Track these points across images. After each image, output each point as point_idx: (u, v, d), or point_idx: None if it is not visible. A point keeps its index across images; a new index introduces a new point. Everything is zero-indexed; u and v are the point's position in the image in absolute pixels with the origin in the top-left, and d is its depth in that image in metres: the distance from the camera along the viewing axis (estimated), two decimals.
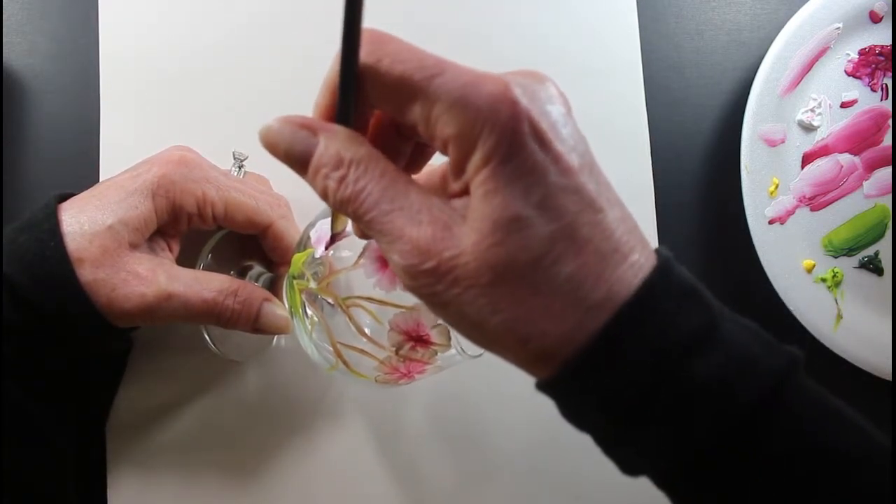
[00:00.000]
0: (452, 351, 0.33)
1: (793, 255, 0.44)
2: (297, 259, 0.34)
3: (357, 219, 0.24)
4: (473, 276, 0.22)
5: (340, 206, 0.24)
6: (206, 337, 0.38)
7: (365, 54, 0.23)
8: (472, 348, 0.31)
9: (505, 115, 0.21)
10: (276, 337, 0.41)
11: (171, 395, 0.40)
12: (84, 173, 0.41)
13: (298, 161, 0.24)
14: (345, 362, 0.34)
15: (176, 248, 0.36)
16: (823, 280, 0.44)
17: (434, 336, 0.32)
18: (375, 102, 0.24)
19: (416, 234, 0.22)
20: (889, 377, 0.44)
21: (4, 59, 0.43)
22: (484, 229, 0.22)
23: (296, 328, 0.35)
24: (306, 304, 0.34)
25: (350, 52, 0.22)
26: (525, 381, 0.25)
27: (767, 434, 0.22)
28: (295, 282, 0.34)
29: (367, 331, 0.32)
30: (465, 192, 0.23)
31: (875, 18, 0.45)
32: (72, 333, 0.32)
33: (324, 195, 0.24)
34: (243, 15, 0.44)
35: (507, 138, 0.21)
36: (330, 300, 0.33)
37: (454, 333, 0.32)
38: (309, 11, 0.44)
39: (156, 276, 0.32)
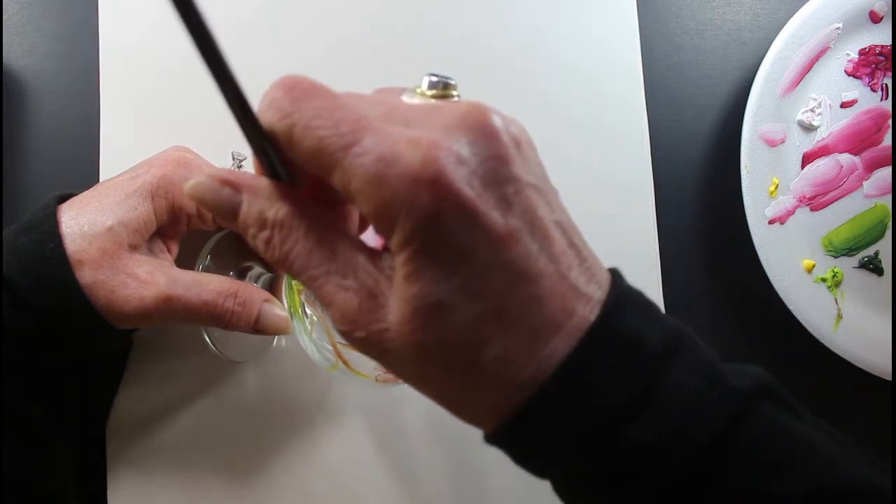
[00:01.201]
0: None
1: (793, 255, 0.44)
2: None
3: (292, 277, 0.23)
4: (400, 351, 0.21)
5: (276, 266, 0.23)
6: (207, 338, 0.38)
7: (277, 118, 0.21)
8: None
9: (423, 199, 0.20)
10: (276, 337, 0.41)
11: (171, 395, 0.40)
12: (84, 173, 0.41)
13: (227, 219, 0.23)
14: (345, 362, 0.34)
15: (175, 249, 0.36)
16: (823, 280, 0.44)
17: None
18: (299, 163, 0.22)
19: (344, 304, 0.22)
20: (889, 377, 0.44)
21: (4, 59, 0.43)
22: (406, 312, 0.21)
23: (296, 328, 0.35)
24: (305, 304, 0.34)
25: (242, 116, 0.21)
26: None
27: (708, 489, 0.21)
28: (293, 283, 0.34)
29: None
30: None
31: (875, 18, 0.45)
32: (71, 334, 0.32)
33: (256, 251, 0.23)
34: (243, 15, 0.43)
35: (425, 224, 0.20)
36: None
37: None
38: (310, 11, 0.44)
39: (155, 279, 0.32)
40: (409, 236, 0.20)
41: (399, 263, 0.21)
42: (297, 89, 0.22)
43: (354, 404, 0.41)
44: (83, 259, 0.31)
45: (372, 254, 0.22)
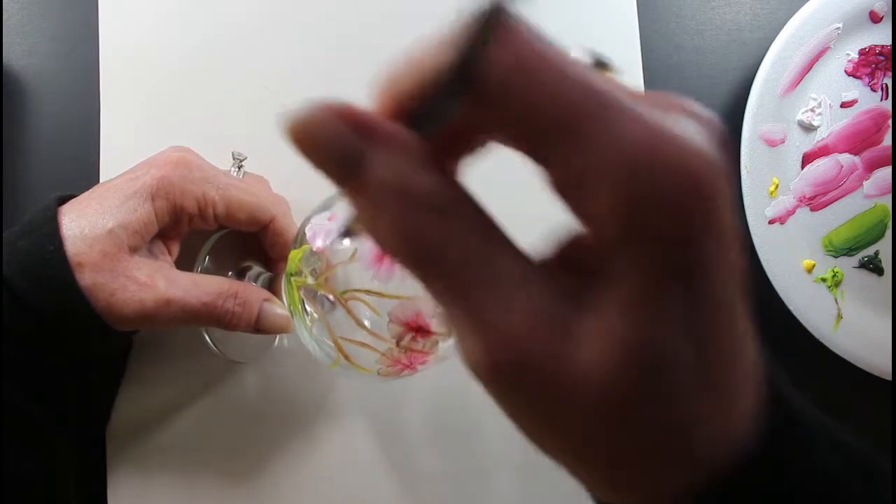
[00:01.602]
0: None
1: (793, 255, 0.44)
2: (294, 256, 0.34)
3: (418, 277, 0.16)
4: (576, 401, 0.16)
5: (393, 254, 0.16)
6: (207, 338, 0.38)
7: (502, 53, 0.15)
8: None
9: (692, 210, 0.15)
10: (277, 337, 0.41)
11: (171, 395, 0.40)
12: (84, 174, 0.41)
13: (334, 173, 0.16)
14: (346, 356, 0.34)
15: (175, 250, 0.36)
16: (823, 280, 0.44)
17: (435, 325, 0.32)
18: (487, 119, 0.16)
19: (507, 324, 0.16)
20: (889, 377, 0.44)
21: (4, 59, 0.43)
22: (611, 352, 0.15)
23: (296, 325, 0.35)
24: (305, 300, 0.34)
25: (483, 30, 0.15)
26: None
27: None
28: (293, 279, 0.33)
29: (367, 323, 0.32)
30: (584, 258, 0.16)
31: (875, 18, 0.45)
32: (71, 335, 0.32)
33: (369, 230, 0.16)
34: (243, 15, 0.43)
35: (684, 241, 0.15)
36: (329, 295, 0.33)
37: None
38: (310, 11, 0.44)
39: (155, 282, 0.32)
40: (654, 256, 0.15)
41: (619, 288, 0.15)
42: (527, 33, 0.15)
43: (355, 404, 0.41)
44: (83, 262, 0.31)
45: (541, 265, 0.17)
